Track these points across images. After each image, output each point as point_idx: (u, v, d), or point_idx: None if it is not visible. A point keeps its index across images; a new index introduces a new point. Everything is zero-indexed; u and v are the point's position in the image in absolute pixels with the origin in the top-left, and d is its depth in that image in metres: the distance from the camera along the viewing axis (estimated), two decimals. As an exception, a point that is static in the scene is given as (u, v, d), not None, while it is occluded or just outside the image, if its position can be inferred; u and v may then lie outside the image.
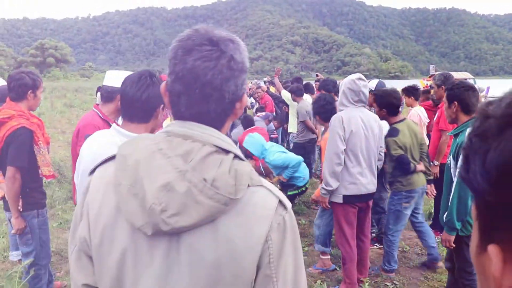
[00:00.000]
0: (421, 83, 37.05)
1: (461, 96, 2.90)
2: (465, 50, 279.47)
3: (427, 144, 5.73)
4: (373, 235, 4.55)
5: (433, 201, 5.18)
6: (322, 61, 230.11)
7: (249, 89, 13.62)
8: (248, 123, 6.75)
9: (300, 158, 5.28)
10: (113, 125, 1.90)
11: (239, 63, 0.93)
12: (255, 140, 5.32)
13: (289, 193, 5.24)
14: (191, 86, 0.91)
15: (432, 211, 5.36)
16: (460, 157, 2.66)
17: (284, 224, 0.91)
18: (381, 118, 3.91)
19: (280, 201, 0.93)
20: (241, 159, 0.94)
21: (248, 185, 0.90)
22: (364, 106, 3.54)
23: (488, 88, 32.27)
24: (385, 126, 3.91)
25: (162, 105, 1.85)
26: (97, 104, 2.82)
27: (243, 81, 0.97)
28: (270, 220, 0.88)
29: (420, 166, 3.88)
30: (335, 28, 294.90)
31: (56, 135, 11.96)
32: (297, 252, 0.94)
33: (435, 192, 3.98)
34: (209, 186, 0.84)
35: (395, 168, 3.83)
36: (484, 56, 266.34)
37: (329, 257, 4.15)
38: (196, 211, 0.84)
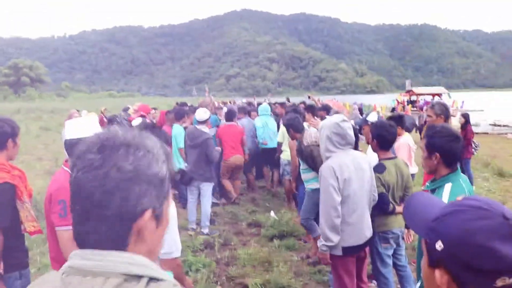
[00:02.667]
0: (399, 97, 37.08)
1: (444, 147, 2.49)
2: (438, 64, 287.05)
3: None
4: (370, 272, 4.26)
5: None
6: (299, 77, 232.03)
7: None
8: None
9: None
10: None
11: (127, 172, 0.78)
12: None
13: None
14: (74, 202, 0.79)
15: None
16: None
17: None
18: (373, 149, 3.82)
19: None
20: (158, 279, 0.79)
21: None
22: (351, 147, 3.38)
23: (463, 102, 33.15)
24: (374, 160, 3.83)
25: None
26: (66, 161, 2.61)
27: (138, 194, 0.79)
28: None
29: (400, 208, 3.70)
30: (311, 44, 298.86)
31: (33, 163, 11.38)
32: None
33: (412, 238, 3.87)
34: None
35: (373, 205, 3.60)
36: (456, 70, 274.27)
37: None
38: None
